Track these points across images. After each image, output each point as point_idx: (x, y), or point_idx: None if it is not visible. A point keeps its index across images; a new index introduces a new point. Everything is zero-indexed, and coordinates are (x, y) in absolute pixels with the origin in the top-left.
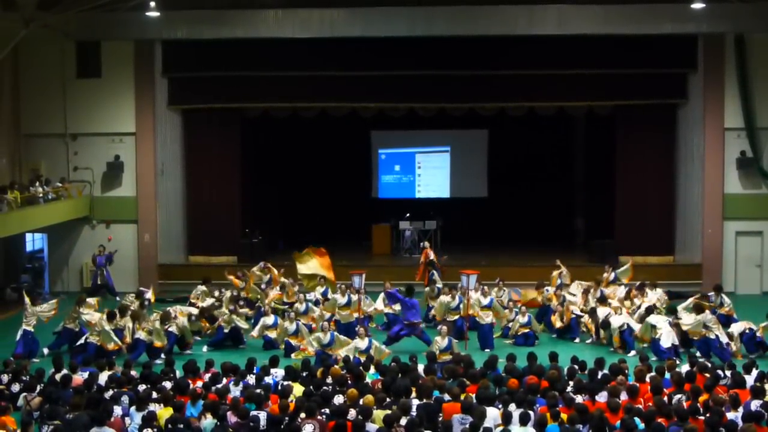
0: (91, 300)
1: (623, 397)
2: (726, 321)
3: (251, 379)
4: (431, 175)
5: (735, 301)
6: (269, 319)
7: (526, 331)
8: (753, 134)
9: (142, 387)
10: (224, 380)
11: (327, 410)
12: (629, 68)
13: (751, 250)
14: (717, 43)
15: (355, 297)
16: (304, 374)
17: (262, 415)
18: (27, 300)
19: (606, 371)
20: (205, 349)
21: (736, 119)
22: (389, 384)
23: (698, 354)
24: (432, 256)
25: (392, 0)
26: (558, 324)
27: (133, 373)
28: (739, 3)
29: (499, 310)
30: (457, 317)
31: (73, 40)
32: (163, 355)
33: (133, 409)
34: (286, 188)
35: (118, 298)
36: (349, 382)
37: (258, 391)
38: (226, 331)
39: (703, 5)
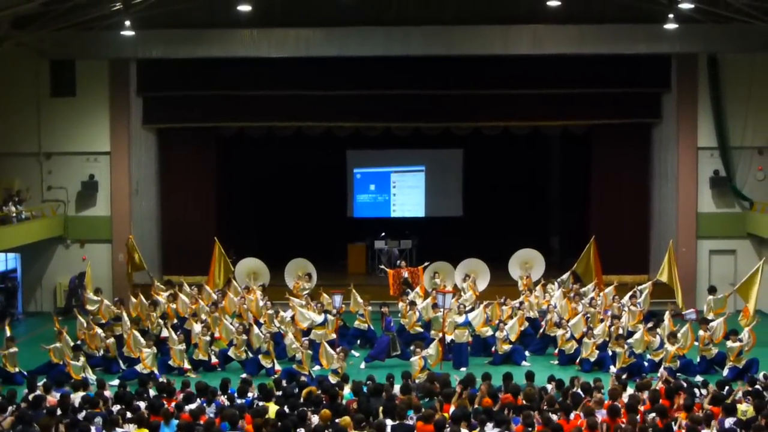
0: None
1: (602, 415)
2: None
3: (225, 400)
4: (406, 194)
5: None
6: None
7: (508, 348)
8: (726, 153)
9: (116, 407)
10: (198, 401)
11: (302, 430)
12: (604, 88)
13: (724, 269)
14: (690, 63)
15: (331, 317)
16: (279, 393)
17: None
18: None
19: (578, 390)
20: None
21: (710, 139)
22: (364, 404)
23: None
24: (407, 275)
25: (368, 20)
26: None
27: (107, 393)
28: (711, 24)
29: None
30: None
31: (48, 58)
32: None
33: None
34: (261, 207)
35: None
36: (324, 402)
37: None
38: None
39: (677, 26)
